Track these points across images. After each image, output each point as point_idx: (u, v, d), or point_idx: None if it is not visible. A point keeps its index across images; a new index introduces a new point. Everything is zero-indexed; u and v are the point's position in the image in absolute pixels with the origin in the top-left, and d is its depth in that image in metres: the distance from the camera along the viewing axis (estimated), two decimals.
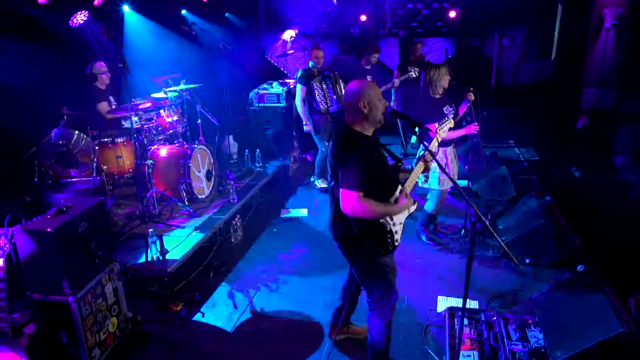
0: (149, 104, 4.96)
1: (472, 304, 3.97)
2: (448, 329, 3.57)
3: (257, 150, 6.60)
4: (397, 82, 6.71)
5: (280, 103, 6.95)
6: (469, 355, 3.25)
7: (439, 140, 3.45)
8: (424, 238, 5.04)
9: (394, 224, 2.85)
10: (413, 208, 3.00)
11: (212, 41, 6.19)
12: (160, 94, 5.16)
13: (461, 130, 4.66)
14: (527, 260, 4.55)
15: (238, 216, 5.27)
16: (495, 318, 3.64)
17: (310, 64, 6.04)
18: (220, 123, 6.16)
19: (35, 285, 3.07)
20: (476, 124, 4.67)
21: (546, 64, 8.72)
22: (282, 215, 5.84)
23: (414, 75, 6.52)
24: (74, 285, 3.07)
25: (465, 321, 3.62)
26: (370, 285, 2.95)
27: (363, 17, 10.14)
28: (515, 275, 4.41)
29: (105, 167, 4.91)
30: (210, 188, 5.41)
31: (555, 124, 8.48)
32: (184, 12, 7.18)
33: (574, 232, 5.07)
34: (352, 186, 2.58)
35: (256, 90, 7.01)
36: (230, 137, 6.76)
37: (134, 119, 5.15)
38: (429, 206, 4.91)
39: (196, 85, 5.54)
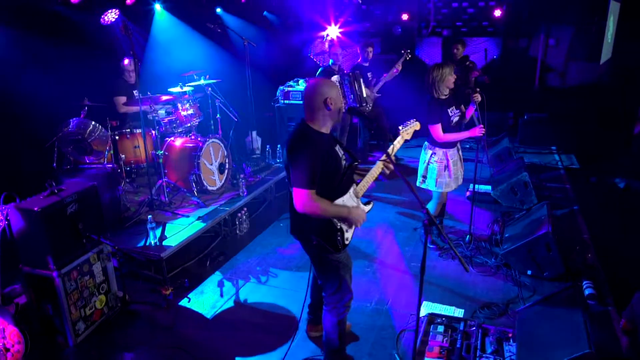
0: (166, 97, 5.20)
1: (457, 312, 3.84)
2: (422, 334, 3.49)
3: (279, 145, 6.73)
4: (398, 66, 6.64)
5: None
6: None
7: (401, 142, 3.33)
8: (427, 241, 4.92)
9: (343, 223, 2.83)
10: (368, 208, 2.97)
11: (239, 39, 6.36)
12: (177, 89, 5.40)
13: (465, 132, 4.51)
14: (529, 272, 4.31)
15: (245, 209, 5.42)
16: (474, 328, 3.50)
17: (330, 61, 6.07)
18: (243, 118, 6.35)
19: (25, 259, 3.37)
20: (482, 126, 4.49)
21: (597, 66, 8.11)
22: (282, 216, 5.92)
23: (407, 58, 6.53)
24: (59, 261, 3.33)
25: (442, 329, 3.52)
26: (324, 280, 2.95)
27: (405, 16, 9.99)
28: (513, 286, 4.20)
29: (123, 155, 5.26)
30: (223, 181, 5.60)
31: (605, 131, 7.90)
32: (218, 10, 7.45)
33: (597, 246, 4.75)
34: (303, 184, 2.60)
35: (282, 87, 7.13)
36: (254, 132, 6.95)
37: (161, 112, 5.47)
38: (430, 208, 4.78)
39: (215, 81, 5.75)
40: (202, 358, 3.38)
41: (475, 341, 3.38)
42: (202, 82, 5.70)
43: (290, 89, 7.09)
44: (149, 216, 4.34)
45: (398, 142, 3.25)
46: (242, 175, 5.56)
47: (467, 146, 7.91)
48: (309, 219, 2.74)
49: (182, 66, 6.19)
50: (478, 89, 4.54)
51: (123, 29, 4.70)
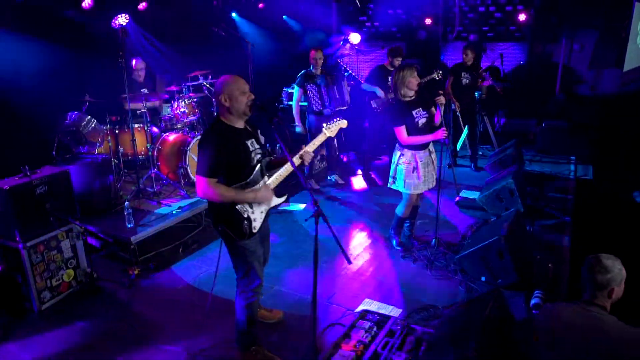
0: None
1: (395, 311, 3.89)
2: (347, 328, 3.58)
3: (278, 145, 6.98)
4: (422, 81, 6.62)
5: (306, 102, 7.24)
6: (344, 355, 3.25)
7: (322, 139, 3.44)
8: (394, 243, 4.97)
9: (252, 212, 3.03)
10: (277, 201, 3.13)
11: (244, 42, 6.71)
12: (173, 87, 5.82)
13: (429, 135, 4.51)
14: (483, 278, 4.25)
15: None
16: (399, 327, 3.54)
17: (313, 66, 6.24)
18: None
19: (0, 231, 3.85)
20: (444, 129, 4.47)
21: (622, 73, 7.66)
22: (279, 207, 6.13)
23: (437, 78, 6.41)
24: (25, 235, 3.78)
25: (368, 325, 3.60)
26: (234, 265, 3.16)
27: (428, 21, 9.92)
28: (464, 291, 4.17)
29: (122, 148, 5.74)
30: None
31: (627, 143, 7.44)
32: (234, 15, 7.85)
33: (576, 259, 4.57)
34: (203, 172, 2.84)
35: (287, 88, 7.39)
36: (257, 131, 7.24)
37: (167, 110, 5.92)
38: (399, 209, 4.82)
39: (213, 81, 6.12)
40: (142, 333, 3.68)
41: (396, 339, 3.43)
42: (201, 81, 6.10)
43: (293, 90, 7.33)
44: (126, 202, 4.74)
45: (318, 139, 3.38)
46: None
47: (468, 154, 7.82)
48: (215, 207, 2.96)
49: (195, 66, 6.64)
50: (441, 92, 4.53)
51: (121, 33, 5.18)
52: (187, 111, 5.86)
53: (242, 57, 6.85)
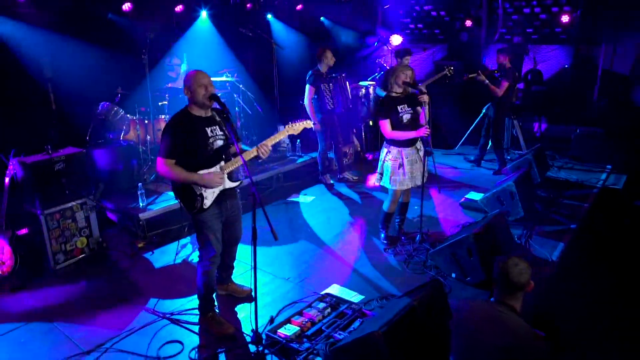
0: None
1: (357, 298, 4.08)
2: (305, 306, 3.84)
3: (297, 140, 7.35)
4: (434, 79, 6.71)
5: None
6: (289, 329, 3.52)
7: (283, 134, 3.71)
8: (382, 236, 5.12)
9: (205, 190, 3.41)
10: (229, 184, 3.49)
11: (270, 42, 7.16)
12: None
13: (412, 132, 4.63)
14: (453, 275, 4.32)
15: (237, 190, 6.14)
16: (350, 311, 3.75)
17: (321, 65, 6.48)
18: (272, 113, 7.14)
19: (23, 200, 4.55)
20: (427, 127, 4.58)
21: None
22: (287, 198, 6.51)
23: (448, 74, 6.51)
24: (44, 204, 4.45)
25: (323, 305, 3.84)
26: (197, 236, 3.56)
27: (468, 22, 9.80)
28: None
29: (149, 137, 6.38)
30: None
31: None
32: (269, 16, 8.32)
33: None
34: (161, 153, 3.29)
35: None
36: (281, 127, 7.64)
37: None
38: (385, 205, 4.98)
39: (232, 79, 6.61)
40: (129, 294, 4.21)
41: (344, 321, 3.65)
42: (224, 79, 6.60)
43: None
44: (139, 184, 5.34)
45: (280, 134, 3.68)
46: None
47: (472, 158, 7.73)
48: (174, 184, 3.39)
49: (222, 65, 7.20)
50: (425, 90, 4.63)
51: (150, 34, 5.81)
52: None
53: (270, 57, 7.29)
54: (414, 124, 4.69)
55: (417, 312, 3.03)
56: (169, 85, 6.28)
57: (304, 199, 6.49)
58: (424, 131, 4.58)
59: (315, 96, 6.46)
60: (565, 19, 8.40)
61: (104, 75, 6.12)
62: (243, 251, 4.53)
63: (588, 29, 8.37)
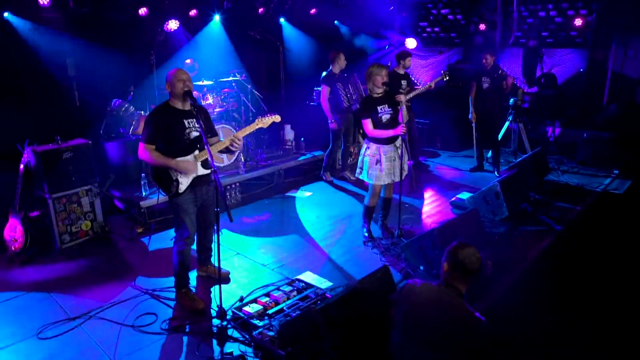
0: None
1: (326, 284, 4.32)
2: (275, 288, 4.14)
3: (302, 138, 7.65)
4: (432, 83, 6.82)
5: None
6: (253, 308, 3.82)
7: (253, 128, 3.99)
8: (364, 230, 5.34)
9: (180, 176, 3.76)
10: (202, 171, 3.81)
11: (277, 45, 7.51)
12: (200, 82, 6.78)
13: (389, 130, 4.83)
14: (421, 268, 4.50)
15: (238, 184, 6.51)
16: (313, 295, 4.00)
17: (334, 67, 6.74)
18: (275, 112, 7.45)
19: (35, 185, 5.07)
20: (403, 125, 4.77)
21: None
22: (286, 193, 6.82)
23: (444, 79, 6.64)
24: (52, 188, 4.95)
25: (289, 288, 4.12)
26: (173, 218, 3.92)
27: (482, 26, 9.81)
28: (402, 276, 4.45)
29: None
30: (232, 160, 6.79)
31: None
32: (281, 20, 8.68)
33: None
34: (142, 139, 3.68)
35: (317, 88, 8.00)
36: (288, 126, 7.97)
37: (209, 98, 6.93)
38: (366, 199, 5.20)
39: (238, 78, 7.00)
40: (120, 272, 4.63)
41: (305, 303, 3.91)
42: (230, 78, 7.00)
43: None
44: (142, 174, 5.78)
45: (250, 127, 3.99)
46: (241, 158, 6.67)
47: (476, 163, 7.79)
48: (153, 168, 3.77)
49: (231, 66, 7.61)
50: (401, 90, 4.82)
51: (161, 36, 6.27)
52: (212, 103, 6.80)
53: (277, 59, 7.64)
54: (392, 123, 4.89)
55: (358, 293, 3.28)
56: None
57: (301, 194, 6.78)
58: (401, 129, 4.78)
59: (330, 96, 6.72)
60: (579, 22, 8.30)
61: (119, 73, 6.63)
62: (228, 239, 4.87)
63: (602, 32, 8.25)
